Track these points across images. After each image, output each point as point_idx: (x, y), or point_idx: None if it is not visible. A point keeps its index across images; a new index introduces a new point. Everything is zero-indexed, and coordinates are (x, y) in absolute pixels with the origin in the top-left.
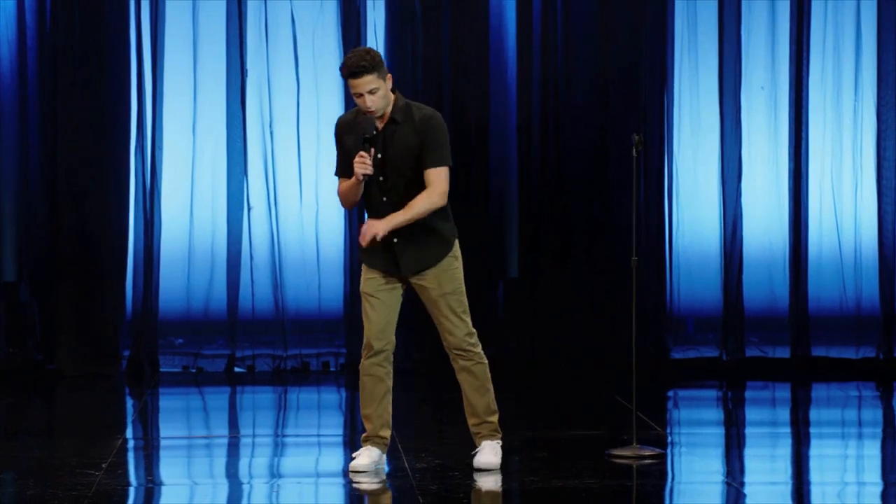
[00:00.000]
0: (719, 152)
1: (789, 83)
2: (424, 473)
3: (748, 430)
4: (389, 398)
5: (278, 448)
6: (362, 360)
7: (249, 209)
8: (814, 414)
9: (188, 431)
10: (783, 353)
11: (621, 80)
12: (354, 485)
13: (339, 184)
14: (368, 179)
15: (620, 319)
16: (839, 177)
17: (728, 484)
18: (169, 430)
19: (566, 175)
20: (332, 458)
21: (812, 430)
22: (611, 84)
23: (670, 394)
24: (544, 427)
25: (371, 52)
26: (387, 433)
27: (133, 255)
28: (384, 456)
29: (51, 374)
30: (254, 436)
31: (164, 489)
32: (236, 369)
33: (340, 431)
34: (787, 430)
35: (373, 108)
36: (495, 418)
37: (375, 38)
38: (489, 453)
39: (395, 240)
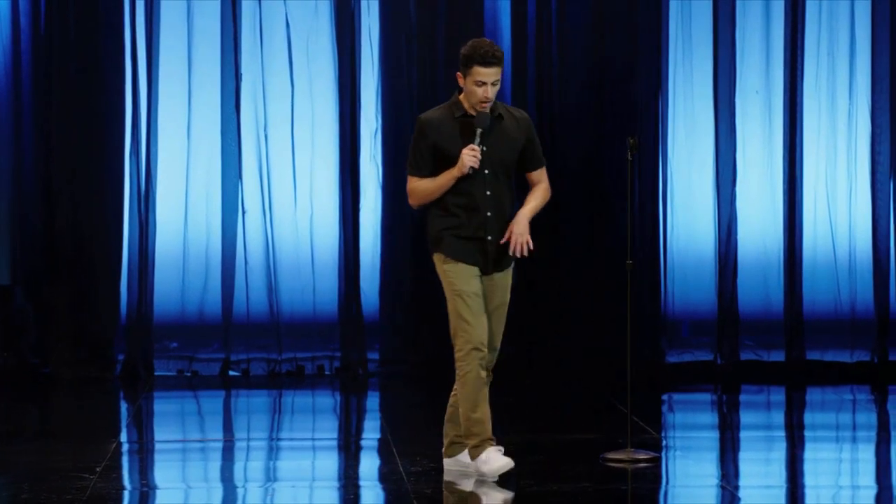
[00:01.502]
0: (714, 156)
1: (784, 87)
2: (419, 477)
3: (743, 434)
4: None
5: (273, 452)
6: (470, 361)
7: (244, 213)
8: (808, 417)
9: (183, 435)
10: (778, 356)
11: (616, 84)
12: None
13: (416, 181)
14: (472, 174)
15: (615, 323)
16: (833, 180)
17: (723, 487)
18: (163, 433)
19: (561, 179)
20: (327, 462)
21: (807, 434)
22: (605, 87)
23: (665, 397)
24: (540, 431)
25: (498, 47)
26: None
27: (128, 258)
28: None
29: (46, 378)
30: (248, 439)
31: (158, 493)
32: (231, 373)
33: (335, 435)
34: (782, 433)
35: (491, 99)
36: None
37: (370, 41)
38: (499, 456)
39: (490, 238)
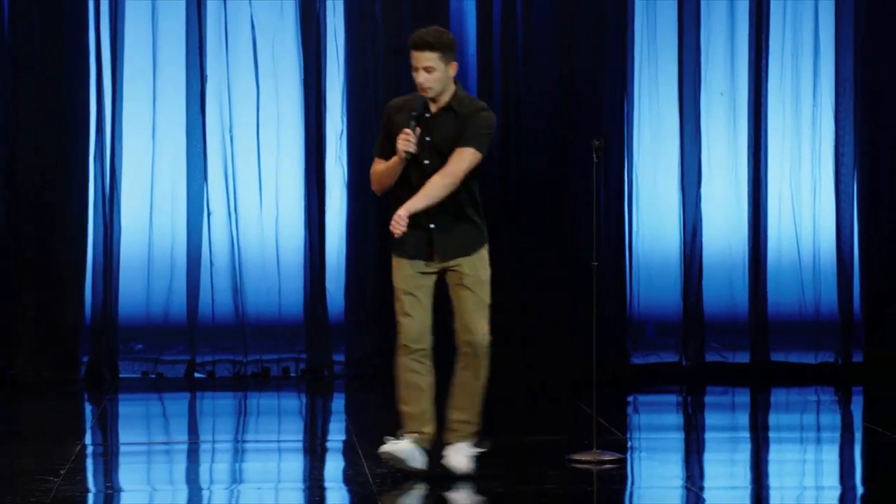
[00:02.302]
0: (679, 157)
1: (748, 89)
2: (385, 479)
3: (708, 435)
4: (431, 394)
5: (238, 454)
6: (400, 357)
7: (209, 214)
8: (773, 419)
9: (148, 437)
10: (743, 357)
11: (581, 86)
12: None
13: (376, 163)
14: (411, 161)
15: (581, 324)
16: (798, 182)
17: (688, 488)
18: (128, 435)
19: (526, 180)
20: (293, 464)
21: (771, 435)
22: (571, 89)
23: (630, 399)
24: (505, 432)
25: (443, 34)
26: (428, 429)
27: (92, 260)
28: (423, 451)
29: (9, 380)
30: (214, 441)
31: (123, 495)
32: (196, 375)
33: (301, 437)
34: (747, 434)
35: (426, 86)
36: (476, 426)
37: (336, 42)
38: (462, 456)
39: (432, 226)
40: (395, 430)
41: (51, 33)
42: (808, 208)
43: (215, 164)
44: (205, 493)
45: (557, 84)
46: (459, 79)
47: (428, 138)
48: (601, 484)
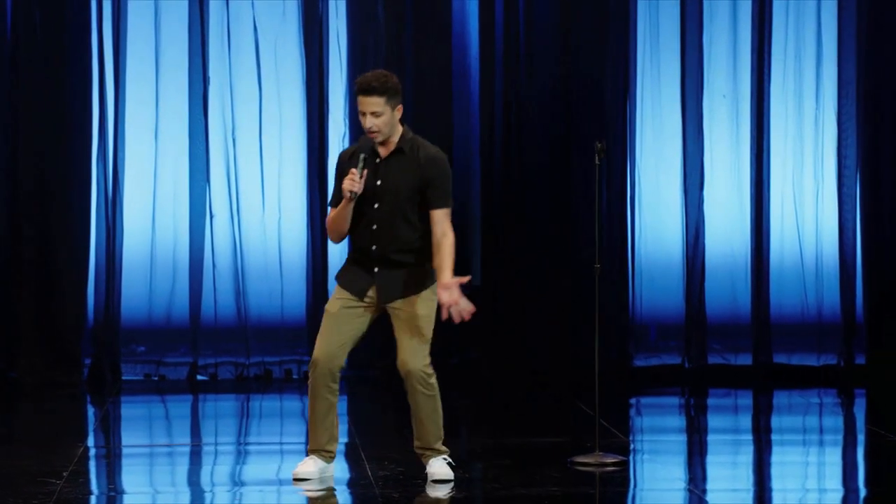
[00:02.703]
0: (681, 160)
1: (751, 91)
2: (387, 481)
3: (710, 437)
4: (335, 414)
5: (240, 456)
6: (310, 373)
7: (212, 217)
8: (775, 421)
9: (150, 439)
10: (745, 360)
11: (584, 88)
12: (304, 493)
13: (330, 213)
14: (360, 205)
15: (583, 327)
16: (800, 185)
17: (690, 491)
18: (131, 438)
19: (529, 183)
20: (295, 466)
21: (774, 437)
22: (573, 92)
23: (633, 401)
24: (507, 435)
25: (389, 78)
26: (333, 447)
27: (95, 262)
28: (331, 467)
29: (11, 382)
30: (216, 443)
31: (125, 497)
32: (199, 377)
33: (303, 439)
34: (749, 437)
35: (373, 130)
36: (440, 443)
37: (338, 46)
38: (441, 465)
39: (377, 269)
40: (402, 432)
41: (53, 35)
42: (810, 210)
43: (218, 167)
44: (207, 496)
45: (560, 86)
46: (462, 81)
47: (379, 182)
48: (603, 486)
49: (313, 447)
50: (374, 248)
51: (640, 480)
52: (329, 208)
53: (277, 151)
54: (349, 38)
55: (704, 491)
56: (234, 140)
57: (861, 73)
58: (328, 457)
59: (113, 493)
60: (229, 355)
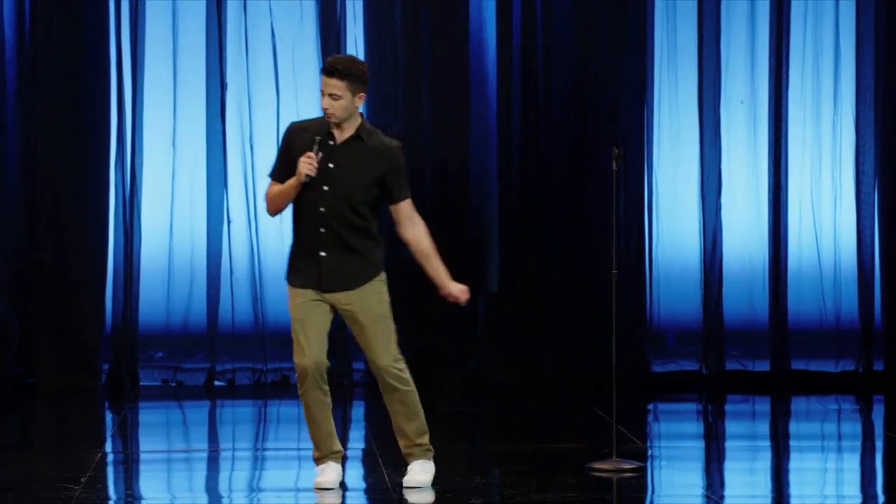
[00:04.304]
0: (699, 166)
1: (769, 97)
2: (405, 487)
3: (728, 444)
4: (330, 411)
5: (258, 462)
6: (300, 384)
7: (229, 222)
8: (793, 427)
9: (168, 445)
10: (763, 366)
11: (601, 94)
12: (319, 501)
13: (271, 186)
14: (309, 185)
15: (600, 333)
16: (818, 191)
17: (708, 497)
18: (148, 443)
19: (546, 188)
20: (312, 473)
21: (792, 444)
22: (591, 98)
23: (650, 407)
24: (524, 440)
25: (356, 64)
26: (339, 446)
27: (113, 268)
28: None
29: (29, 388)
30: (233, 449)
31: (143, 503)
32: (216, 383)
33: None
34: (767, 443)
35: (329, 111)
36: (426, 439)
37: (356, 51)
38: (419, 472)
39: (323, 254)
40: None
41: (71, 41)
42: (828, 216)
43: (235, 172)
44: (224, 501)
45: (577, 92)
46: (479, 84)
47: (331, 165)
48: (621, 493)
49: (323, 453)
50: (321, 230)
51: (658, 487)
52: (269, 179)
53: None
54: (367, 43)
55: (722, 497)
56: (251, 145)
57: (879, 79)
58: (339, 457)
59: (130, 499)
60: (247, 361)
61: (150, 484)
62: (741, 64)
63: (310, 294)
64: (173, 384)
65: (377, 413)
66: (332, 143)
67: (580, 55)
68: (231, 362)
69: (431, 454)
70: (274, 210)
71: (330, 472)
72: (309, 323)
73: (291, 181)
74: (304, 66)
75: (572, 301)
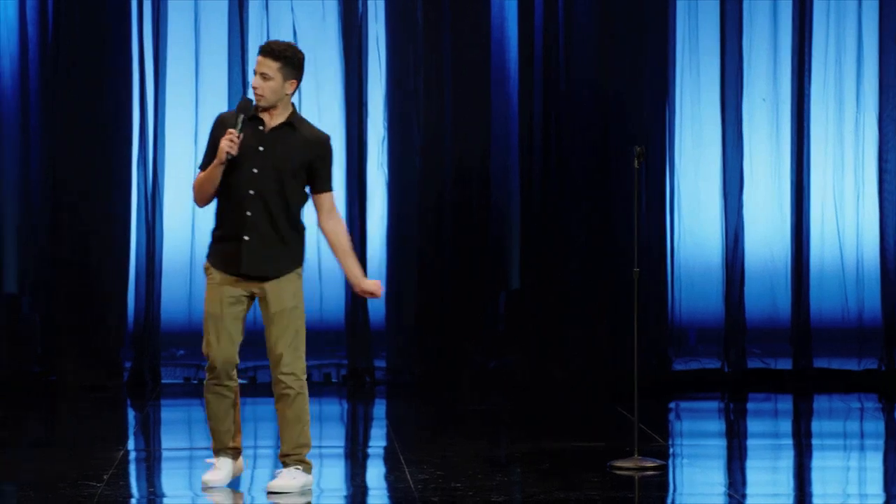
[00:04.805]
0: (721, 164)
1: (791, 95)
2: (427, 485)
3: (750, 442)
4: (233, 412)
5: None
6: (207, 378)
7: None
8: (816, 426)
9: (190, 443)
10: (785, 364)
11: (623, 93)
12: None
13: (198, 175)
14: (235, 165)
15: (622, 331)
16: (841, 189)
17: (730, 496)
18: (171, 441)
19: (568, 187)
20: (334, 470)
21: (814, 442)
22: (612, 95)
23: (672, 405)
24: (546, 438)
25: (293, 49)
26: (238, 440)
27: (135, 266)
28: (240, 461)
29: (52, 386)
30: (255, 447)
31: (165, 501)
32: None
33: (342, 443)
34: (789, 441)
35: (259, 91)
36: (304, 452)
37: (378, 50)
38: (286, 477)
39: (246, 237)
40: (441, 437)
41: (94, 40)
42: (851, 214)
43: None
44: (246, 499)
45: (599, 90)
46: (500, 83)
47: (261, 148)
48: (643, 491)
49: (219, 447)
50: (248, 213)
51: (680, 485)
52: (198, 171)
53: None
54: (388, 42)
55: (744, 496)
56: None
57: None
58: (235, 453)
59: (153, 497)
60: (268, 359)
61: (173, 481)
62: (763, 62)
63: (227, 290)
64: (195, 382)
65: (399, 411)
66: (261, 128)
67: (602, 54)
68: (253, 360)
69: (304, 466)
70: (201, 197)
71: (223, 468)
72: (222, 322)
73: (214, 162)
74: (326, 65)
75: (594, 299)
